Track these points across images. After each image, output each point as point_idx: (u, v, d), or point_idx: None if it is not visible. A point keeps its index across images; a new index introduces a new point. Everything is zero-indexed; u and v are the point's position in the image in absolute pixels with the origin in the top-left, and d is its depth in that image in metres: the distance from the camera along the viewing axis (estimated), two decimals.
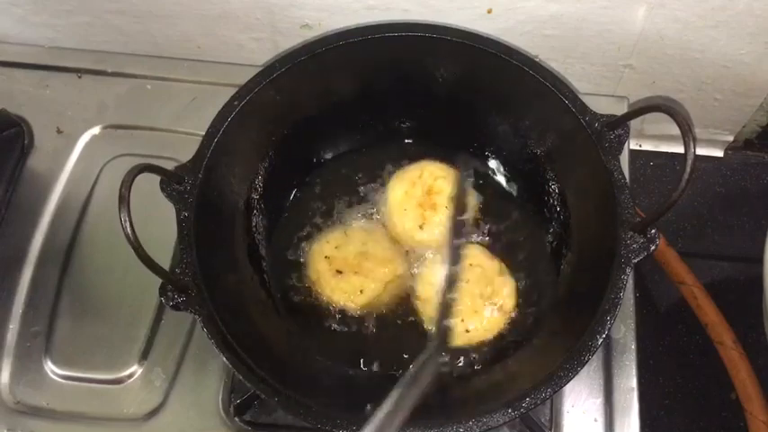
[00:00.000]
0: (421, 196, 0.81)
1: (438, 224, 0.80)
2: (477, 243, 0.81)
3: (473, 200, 0.82)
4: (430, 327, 0.77)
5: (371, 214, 0.83)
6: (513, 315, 0.76)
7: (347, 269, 0.78)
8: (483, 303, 0.75)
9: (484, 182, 0.85)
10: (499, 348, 0.75)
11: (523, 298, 0.78)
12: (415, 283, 0.79)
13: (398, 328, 0.78)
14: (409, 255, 0.81)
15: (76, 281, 0.83)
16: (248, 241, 0.78)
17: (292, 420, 0.75)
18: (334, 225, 0.83)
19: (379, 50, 0.78)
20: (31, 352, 0.79)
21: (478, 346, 0.75)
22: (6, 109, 0.91)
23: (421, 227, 0.80)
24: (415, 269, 0.80)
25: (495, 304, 0.76)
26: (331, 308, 0.78)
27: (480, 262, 0.77)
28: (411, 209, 0.80)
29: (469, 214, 0.81)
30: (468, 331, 0.75)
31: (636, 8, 0.82)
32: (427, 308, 0.77)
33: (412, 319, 0.78)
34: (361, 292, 0.77)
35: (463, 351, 0.75)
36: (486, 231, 0.82)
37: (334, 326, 0.78)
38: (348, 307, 0.77)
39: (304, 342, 0.77)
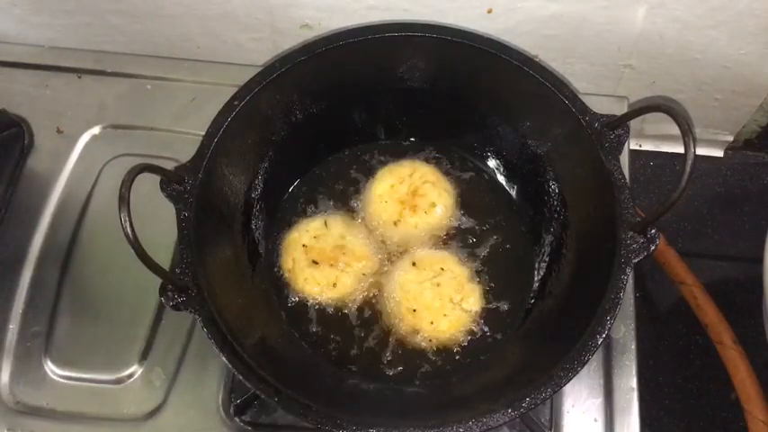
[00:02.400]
0: (404, 194, 0.81)
1: (412, 226, 0.80)
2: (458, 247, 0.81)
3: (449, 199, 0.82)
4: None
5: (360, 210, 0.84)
6: (481, 318, 0.77)
7: (323, 260, 0.78)
8: (453, 307, 0.76)
9: (483, 181, 0.85)
10: (485, 349, 0.76)
11: (505, 297, 0.78)
12: (384, 280, 0.79)
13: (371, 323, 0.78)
14: (384, 251, 0.81)
15: (76, 281, 0.83)
16: (248, 240, 0.79)
17: (292, 420, 0.75)
18: (319, 217, 0.82)
19: (379, 50, 0.78)
20: (31, 352, 0.79)
21: (451, 348, 0.76)
22: (6, 109, 0.92)
23: (395, 223, 0.80)
24: (386, 267, 0.80)
25: (464, 309, 0.76)
26: (314, 305, 0.78)
27: (451, 267, 0.78)
28: (391, 203, 0.81)
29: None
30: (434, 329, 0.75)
31: (636, 8, 0.82)
32: (392, 306, 0.77)
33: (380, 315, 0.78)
34: (334, 285, 0.77)
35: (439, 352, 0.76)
36: (477, 231, 0.82)
37: (316, 328, 0.78)
38: (319, 299, 0.78)
39: (303, 341, 0.77)
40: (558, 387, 0.61)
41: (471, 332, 0.76)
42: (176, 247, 0.77)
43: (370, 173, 0.85)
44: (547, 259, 0.79)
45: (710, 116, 1.00)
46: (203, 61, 0.96)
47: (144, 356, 0.79)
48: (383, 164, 0.86)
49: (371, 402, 0.72)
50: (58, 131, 0.92)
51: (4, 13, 0.95)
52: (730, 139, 1.04)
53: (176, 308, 0.63)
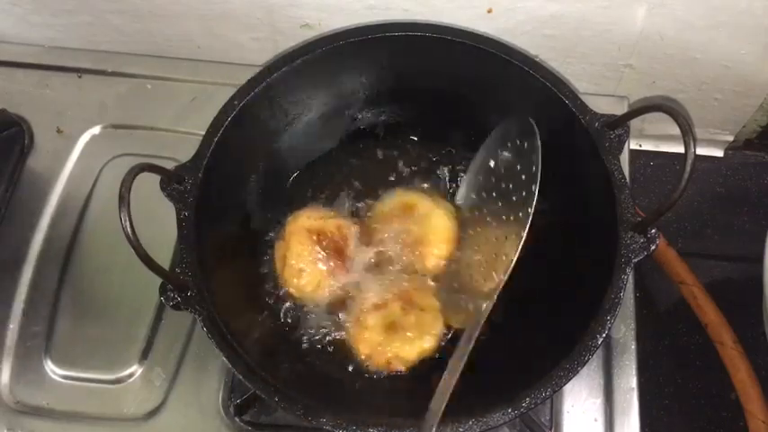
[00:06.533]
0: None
1: None
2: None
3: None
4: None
5: (360, 209, 0.83)
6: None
7: (323, 262, 0.78)
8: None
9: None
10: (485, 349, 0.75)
11: (505, 297, 0.77)
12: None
13: None
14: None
15: (76, 281, 0.83)
16: (248, 240, 0.78)
17: (292, 420, 0.75)
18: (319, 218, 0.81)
19: (379, 50, 0.78)
20: (31, 352, 0.79)
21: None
22: (6, 109, 0.92)
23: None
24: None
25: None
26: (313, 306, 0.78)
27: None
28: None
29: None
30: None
31: (636, 8, 0.82)
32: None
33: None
34: (334, 286, 0.77)
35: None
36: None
37: (316, 328, 0.77)
38: (318, 300, 0.78)
39: (302, 341, 0.77)
40: (558, 387, 0.61)
41: None
42: (176, 247, 0.77)
43: (369, 171, 0.85)
44: (547, 260, 0.79)
45: (710, 116, 1.00)
46: (203, 61, 0.96)
47: (144, 356, 0.79)
48: (383, 162, 0.85)
49: (371, 402, 0.72)
50: (58, 131, 0.92)
51: (4, 13, 0.95)
52: (730, 139, 1.04)
53: (176, 307, 0.63)
